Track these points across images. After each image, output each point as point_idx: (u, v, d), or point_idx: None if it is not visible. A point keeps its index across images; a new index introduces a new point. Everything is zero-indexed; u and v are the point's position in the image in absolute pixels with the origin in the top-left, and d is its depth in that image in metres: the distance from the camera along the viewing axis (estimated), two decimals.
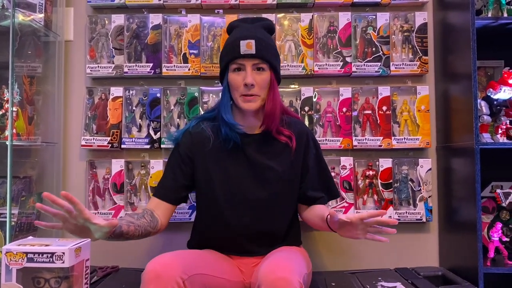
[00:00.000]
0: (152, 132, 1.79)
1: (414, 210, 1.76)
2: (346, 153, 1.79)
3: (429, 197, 1.76)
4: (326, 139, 1.76)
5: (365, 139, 1.77)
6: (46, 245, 0.92)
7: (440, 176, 1.81)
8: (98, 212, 1.77)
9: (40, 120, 1.77)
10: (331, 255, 1.79)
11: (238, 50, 1.32)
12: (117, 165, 1.78)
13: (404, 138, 1.77)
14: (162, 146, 1.77)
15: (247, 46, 1.31)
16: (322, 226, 1.34)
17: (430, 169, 1.77)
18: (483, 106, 1.58)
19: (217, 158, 1.40)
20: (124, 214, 1.75)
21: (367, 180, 1.78)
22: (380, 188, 1.77)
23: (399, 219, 1.75)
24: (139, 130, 1.80)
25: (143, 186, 1.79)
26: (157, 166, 1.78)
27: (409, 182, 1.78)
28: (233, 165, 1.39)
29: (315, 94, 1.80)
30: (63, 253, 0.89)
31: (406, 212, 1.75)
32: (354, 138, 1.77)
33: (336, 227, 1.25)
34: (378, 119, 1.78)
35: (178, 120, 1.81)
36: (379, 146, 1.76)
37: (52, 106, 1.80)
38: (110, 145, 1.77)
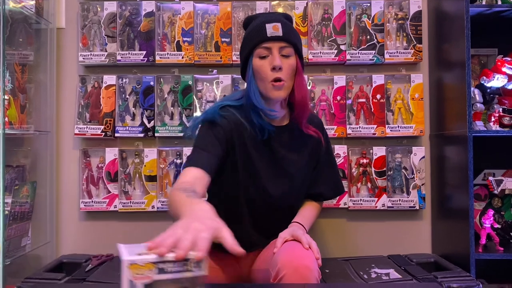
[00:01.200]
0: (145, 121, 1.78)
1: (407, 197, 1.77)
2: (340, 141, 1.80)
3: (422, 184, 1.77)
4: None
5: (359, 127, 1.77)
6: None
7: (433, 164, 1.82)
8: (92, 201, 1.77)
9: (33, 109, 1.76)
10: (324, 243, 1.80)
11: (264, 33, 1.24)
12: (111, 153, 1.78)
13: (398, 126, 1.77)
14: (156, 134, 1.77)
15: (274, 28, 1.24)
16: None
17: (423, 157, 1.78)
18: (477, 94, 1.59)
19: (252, 148, 1.30)
20: (118, 203, 1.76)
21: (361, 168, 1.79)
22: (374, 176, 1.78)
23: (392, 207, 1.76)
24: (133, 119, 1.79)
25: (137, 175, 1.79)
26: (151, 154, 1.77)
27: (403, 170, 1.79)
28: (259, 157, 1.30)
29: (309, 82, 1.80)
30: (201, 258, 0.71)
31: (400, 199, 1.77)
32: (348, 126, 1.77)
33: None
34: (372, 107, 1.79)
35: (172, 108, 1.80)
36: (373, 134, 1.77)
37: (44, 94, 1.79)
38: (103, 133, 1.76)
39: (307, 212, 1.40)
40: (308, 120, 1.36)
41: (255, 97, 1.26)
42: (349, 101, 1.79)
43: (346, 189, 1.77)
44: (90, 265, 1.58)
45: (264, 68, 1.24)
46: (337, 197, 1.71)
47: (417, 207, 1.77)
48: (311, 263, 1.09)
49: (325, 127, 1.74)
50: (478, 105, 1.58)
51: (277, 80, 1.23)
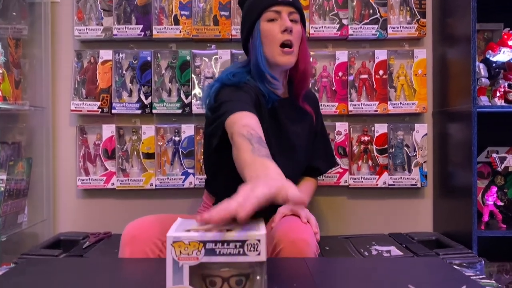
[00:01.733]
0: (143, 97, 1.74)
1: (409, 175, 1.74)
2: (342, 119, 1.77)
3: (424, 162, 1.75)
4: (321, 105, 1.72)
5: (361, 104, 1.74)
6: (222, 230, 0.62)
7: (435, 141, 1.79)
8: (89, 179, 1.74)
9: (27, 84, 1.72)
10: (323, 221, 1.78)
11: None
12: (108, 130, 1.74)
13: (400, 103, 1.74)
14: (153, 111, 1.73)
15: None
16: None
17: (426, 134, 1.75)
18: (482, 69, 1.55)
19: (265, 117, 1.23)
20: (116, 181, 1.73)
21: (362, 146, 1.76)
22: (375, 153, 1.75)
23: (393, 185, 1.74)
24: (130, 95, 1.76)
25: (135, 152, 1.76)
26: (148, 131, 1.74)
27: (405, 148, 1.76)
28: (269, 127, 1.24)
29: (311, 58, 1.75)
30: (259, 240, 0.60)
31: (401, 177, 1.74)
32: (349, 103, 1.73)
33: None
34: (374, 83, 1.75)
35: (169, 84, 1.76)
36: (374, 111, 1.73)
37: (39, 70, 1.74)
38: (100, 110, 1.73)
39: (306, 188, 1.41)
40: (305, 94, 1.36)
41: (262, 63, 1.23)
42: (351, 77, 1.75)
43: (346, 167, 1.74)
44: (87, 242, 1.56)
45: (273, 31, 1.22)
46: (331, 171, 1.68)
47: (419, 185, 1.74)
48: (309, 237, 1.08)
49: (327, 104, 1.73)
50: (483, 80, 1.55)
51: (287, 45, 1.22)
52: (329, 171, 1.69)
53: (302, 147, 1.34)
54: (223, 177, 1.27)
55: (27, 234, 1.67)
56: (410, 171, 1.75)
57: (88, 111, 1.73)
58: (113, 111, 1.73)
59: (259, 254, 0.60)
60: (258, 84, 1.24)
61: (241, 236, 0.60)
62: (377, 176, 1.74)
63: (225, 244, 0.60)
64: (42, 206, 1.73)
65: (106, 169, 1.75)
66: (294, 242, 1.05)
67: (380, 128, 1.75)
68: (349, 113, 1.73)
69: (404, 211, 1.80)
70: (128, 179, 1.74)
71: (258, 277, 0.65)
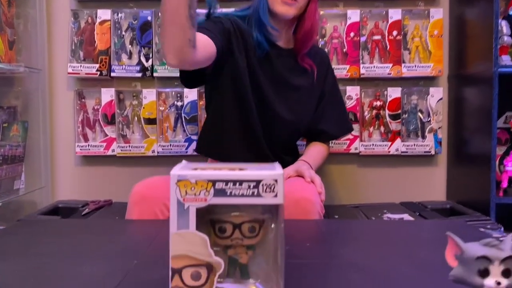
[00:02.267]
0: (143, 59, 1.65)
1: (423, 142, 1.67)
2: (353, 82, 1.68)
3: (439, 128, 1.67)
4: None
5: (374, 66, 1.65)
6: (234, 169, 0.54)
7: (451, 106, 1.70)
8: (88, 145, 1.67)
9: (22, 46, 1.64)
10: (332, 190, 1.72)
11: None
12: (107, 94, 1.67)
13: (415, 66, 1.65)
14: (154, 74, 1.65)
15: None
16: None
17: (441, 98, 1.66)
18: (504, 26, 1.46)
19: (252, 61, 1.23)
20: (116, 147, 1.66)
21: (374, 111, 1.68)
22: (388, 119, 1.67)
23: (406, 152, 1.66)
24: (130, 57, 1.67)
25: (136, 118, 1.68)
26: (150, 96, 1.66)
27: (418, 113, 1.68)
28: (261, 75, 1.24)
29: (321, 17, 1.66)
30: (275, 180, 0.52)
31: (414, 144, 1.66)
32: (361, 65, 1.64)
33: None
34: (387, 45, 1.65)
35: None
36: (388, 74, 1.64)
37: (34, 30, 1.66)
38: (99, 72, 1.65)
39: (313, 150, 1.37)
40: (312, 52, 1.31)
41: (262, 9, 1.19)
42: (363, 39, 1.66)
43: (357, 133, 1.67)
44: (87, 209, 1.50)
45: None
46: (345, 136, 1.60)
47: (433, 152, 1.66)
48: (313, 196, 1.06)
49: (337, 66, 1.64)
50: (506, 38, 1.45)
51: None
52: (341, 137, 1.61)
53: (302, 101, 1.29)
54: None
55: (25, 201, 1.61)
56: (424, 137, 1.67)
57: (86, 74, 1.65)
58: (112, 74, 1.65)
59: (275, 195, 0.52)
60: (254, 28, 1.21)
61: (256, 175, 0.52)
62: (389, 143, 1.66)
63: (237, 184, 0.52)
64: (40, 173, 1.66)
65: (106, 135, 1.67)
66: (298, 202, 1.03)
67: (393, 93, 1.66)
68: (361, 76, 1.64)
69: (416, 180, 1.73)
70: (129, 146, 1.67)
71: (273, 225, 0.58)
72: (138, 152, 1.66)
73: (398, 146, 1.66)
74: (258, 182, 0.52)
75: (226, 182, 0.52)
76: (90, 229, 1.00)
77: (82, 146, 1.67)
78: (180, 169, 0.54)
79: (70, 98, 1.69)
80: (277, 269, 0.57)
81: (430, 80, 1.70)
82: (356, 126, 1.66)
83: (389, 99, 1.66)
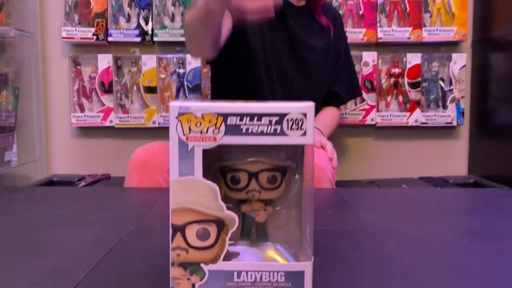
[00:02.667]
0: (142, 23, 1.53)
1: (444, 112, 1.55)
2: (369, 48, 1.56)
3: (462, 98, 1.55)
4: (347, 31, 1.50)
5: (392, 30, 1.52)
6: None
7: (475, 73, 1.58)
8: (85, 115, 1.56)
9: (12, 8, 1.51)
10: (346, 164, 1.61)
11: None
12: (104, 61, 1.55)
13: (437, 30, 1.52)
14: (154, 39, 1.53)
15: None
16: None
17: (464, 65, 1.54)
18: None
19: (265, 24, 1.13)
20: (114, 118, 1.55)
21: (392, 79, 1.56)
22: (407, 88, 1.55)
23: (426, 123, 1.54)
24: (128, 21, 1.55)
25: (135, 86, 1.57)
26: (149, 62, 1.55)
27: (440, 81, 1.55)
28: (272, 33, 1.14)
29: None
30: (304, 115, 0.40)
31: (435, 115, 1.54)
32: (379, 29, 1.52)
33: None
34: (407, 7, 1.53)
35: (172, 8, 1.55)
36: (407, 38, 1.52)
37: None
38: (95, 37, 1.53)
39: (324, 116, 1.28)
40: (323, 10, 1.21)
41: None
42: (380, 0, 1.53)
43: (374, 103, 1.55)
44: (83, 182, 1.40)
45: None
46: (357, 107, 1.49)
47: (454, 123, 1.55)
48: (323, 162, 0.98)
49: (353, 30, 1.52)
50: None
51: None
52: (355, 106, 1.50)
53: (318, 62, 1.19)
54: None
55: (18, 175, 1.51)
56: (445, 107, 1.55)
57: (81, 38, 1.53)
58: (109, 38, 1.53)
59: (304, 133, 0.41)
60: None
61: (280, 108, 0.41)
62: (408, 114, 1.54)
63: (255, 118, 0.40)
64: (33, 145, 1.55)
65: (103, 105, 1.56)
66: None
67: (413, 59, 1.54)
68: (378, 41, 1.52)
69: (436, 153, 1.61)
70: (127, 116, 1.55)
71: (297, 176, 0.47)
72: (138, 123, 1.55)
73: (417, 117, 1.54)
74: (282, 116, 0.40)
75: (241, 116, 0.40)
76: (83, 197, 0.90)
77: (78, 117, 1.56)
78: (183, 101, 0.42)
79: (64, 65, 1.58)
80: (303, 230, 0.46)
81: (452, 45, 1.57)
82: (372, 95, 1.55)
83: (408, 66, 1.54)
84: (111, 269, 0.49)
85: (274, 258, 0.44)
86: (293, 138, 0.40)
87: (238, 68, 1.15)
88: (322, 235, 0.59)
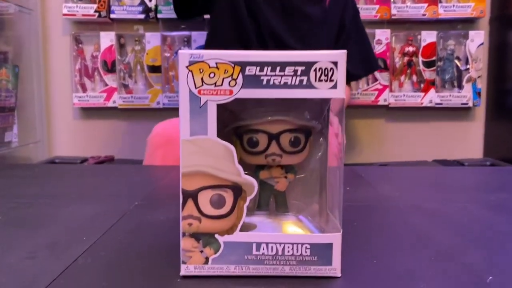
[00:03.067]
0: None
1: (459, 93, 1.49)
2: (382, 25, 1.49)
3: (479, 77, 1.48)
4: (358, 8, 1.45)
5: (406, 7, 1.46)
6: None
7: (493, 52, 1.51)
8: (87, 95, 1.51)
9: None
10: (358, 147, 1.55)
11: None
12: (107, 39, 1.49)
13: (453, 6, 1.45)
14: (158, 16, 1.47)
15: None
16: None
17: (481, 43, 1.47)
18: None
19: None
20: (117, 98, 1.50)
21: (406, 58, 1.49)
22: (421, 67, 1.49)
23: (441, 104, 1.48)
24: None
25: (139, 65, 1.52)
26: (154, 40, 1.49)
27: (455, 60, 1.49)
28: (264, 2, 1.09)
29: None
30: (335, 64, 0.34)
31: (450, 95, 1.48)
32: (392, 5, 1.46)
33: None
34: None
35: None
36: (422, 15, 1.45)
37: None
38: (97, 14, 1.47)
39: None
40: None
41: None
42: None
43: (386, 83, 1.49)
44: (86, 165, 1.35)
45: None
46: (369, 75, 1.43)
47: (470, 104, 1.49)
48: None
49: (365, 6, 1.46)
50: None
51: None
52: (367, 86, 1.45)
53: (314, 30, 1.13)
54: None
55: (19, 157, 1.47)
56: (461, 87, 1.49)
57: (83, 15, 1.47)
58: (111, 15, 1.47)
59: (334, 86, 0.35)
60: None
61: (306, 56, 0.35)
62: (422, 94, 1.49)
63: (278, 68, 0.35)
64: (35, 126, 1.51)
65: (106, 85, 1.51)
66: None
67: (428, 37, 1.48)
68: (392, 18, 1.46)
69: (451, 135, 1.56)
70: (131, 96, 1.50)
71: (321, 139, 0.42)
72: (142, 104, 1.50)
73: (432, 97, 1.48)
74: (309, 65, 0.35)
75: (262, 65, 0.35)
76: (87, 173, 0.86)
77: (80, 97, 1.51)
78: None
79: (66, 44, 1.52)
80: (328, 200, 0.41)
81: (469, 23, 1.50)
82: (385, 75, 1.49)
83: (422, 44, 1.48)
84: (114, 242, 0.44)
85: (296, 229, 0.39)
86: (321, 91, 0.35)
87: (230, 37, 1.10)
88: (344, 211, 0.54)
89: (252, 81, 0.35)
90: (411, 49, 1.49)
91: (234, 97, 0.35)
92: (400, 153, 1.53)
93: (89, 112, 1.55)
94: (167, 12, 1.47)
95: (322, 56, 0.35)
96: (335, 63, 0.35)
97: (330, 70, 0.35)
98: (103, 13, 1.47)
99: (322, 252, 0.36)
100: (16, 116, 1.42)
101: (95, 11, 1.47)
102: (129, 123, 1.55)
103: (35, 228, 0.49)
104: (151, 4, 1.47)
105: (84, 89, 1.52)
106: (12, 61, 1.50)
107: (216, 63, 0.35)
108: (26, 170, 0.88)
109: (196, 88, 0.36)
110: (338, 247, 0.36)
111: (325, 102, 0.39)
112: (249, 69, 0.35)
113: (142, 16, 1.48)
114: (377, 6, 1.46)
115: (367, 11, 1.45)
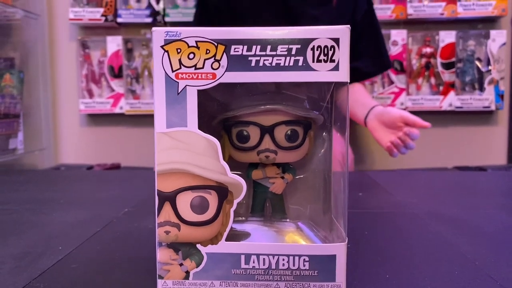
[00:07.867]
0: (153, 2, 1.44)
1: (481, 95, 1.41)
2: (398, 25, 1.43)
3: (501, 79, 1.40)
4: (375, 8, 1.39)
5: (423, 6, 1.39)
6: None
7: None
8: (93, 102, 1.48)
9: None
10: (370, 153, 1.48)
11: None
12: (114, 43, 1.46)
13: (473, 4, 1.38)
14: (166, 19, 1.43)
15: None
16: (354, 115, 1.08)
17: (504, 43, 1.40)
18: None
19: None
20: (125, 104, 1.46)
21: (424, 60, 1.42)
22: (440, 69, 1.42)
23: (461, 107, 1.41)
24: (138, 0, 1.46)
25: (146, 71, 1.48)
26: None
27: (476, 62, 1.42)
28: (266, 5, 1.04)
29: None
30: (336, 41, 0.29)
31: (471, 98, 1.41)
32: (409, 5, 1.39)
33: (375, 124, 1.02)
34: None
35: None
36: (440, 14, 1.38)
37: None
38: (104, 18, 1.44)
39: (360, 92, 1.14)
40: None
41: None
42: None
43: (403, 86, 1.42)
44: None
45: None
46: (381, 73, 1.35)
47: (493, 107, 1.41)
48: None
49: (380, 6, 1.40)
50: None
51: None
52: (383, 90, 1.38)
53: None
54: None
55: (24, 164, 1.44)
56: (482, 90, 1.41)
57: (89, 19, 1.45)
58: (118, 19, 1.44)
59: (336, 67, 0.30)
60: None
61: (303, 32, 0.30)
62: (441, 97, 1.41)
63: (269, 47, 0.30)
64: (41, 133, 1.48)
65: (113, 90, 1.48)
66: None
67: (446, 37, 1.40)
68: (408, 17, 1.39)
69: (472, 140, 1.47)
70: (139, 102, 1.47)
71: (324, 133, 0.36)
72: (149, 110, 1.46)
73: (451, 100, 1.41)
74: (305, 43, 0.30)
75: (250, 44, 0.30)
76: (82, 178, 0.81)
77: (86, 103, 1.48)
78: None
79: (72, 49, 1.50)
80: (332, 205, 0.35)
81: (491, 22, 1.43)
82: (402, 77, 1.42)
83: (441, 45, 1.41)
84: (90, 253, 0.39)
85: (294, 239, 0.34)
86: (321, 74, 0.30)
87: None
88: (353, 219, 0.48)
89: (239, 63, 0.30)
90: (428, 50, 1.42)
91: (218, 81, 0.30)
92: (419, 160, 1.45)
93: (95, 118, 1.52)
94: (175, 15, 1.43)
95: (321, 32, 0.30)
96: (337, 40, 0.30)
97: (330, 49, 0.30)
98: (110, 17, 1.44)
99: (323, 265, 0.30)
100: (21, 122, 1.39)
101: (102, 15, 1.44)
102: (136, 130, 1.51)
103: (8, 236, 0.44)
104: (159, 8, 1.44)
105: (90, 95, 1.49)
106: (19, 67, 1.48)
107: (196, 42, 0.30)
108: (20, 176, 0.84)
109: (173, 71, 0.31)
110: (343, 260, 0.30)
111: (327, 87, 0.33)
112: (234, 49, 0.30)
113: (149, 20, 1.44)
114: (392, 6, 1.40)
115: (382, 11, 1.39)
